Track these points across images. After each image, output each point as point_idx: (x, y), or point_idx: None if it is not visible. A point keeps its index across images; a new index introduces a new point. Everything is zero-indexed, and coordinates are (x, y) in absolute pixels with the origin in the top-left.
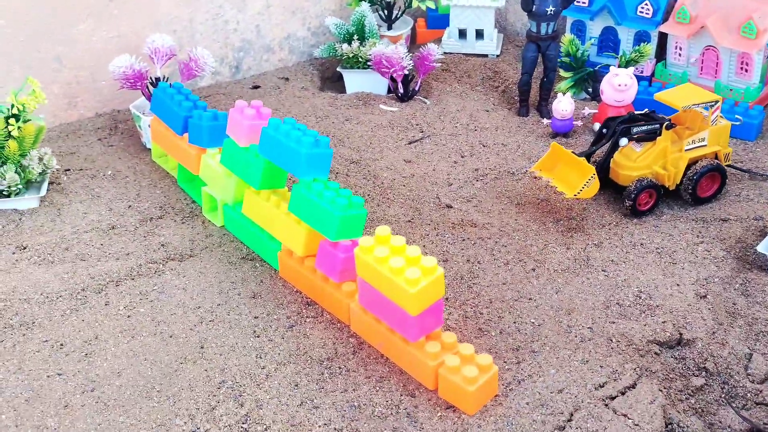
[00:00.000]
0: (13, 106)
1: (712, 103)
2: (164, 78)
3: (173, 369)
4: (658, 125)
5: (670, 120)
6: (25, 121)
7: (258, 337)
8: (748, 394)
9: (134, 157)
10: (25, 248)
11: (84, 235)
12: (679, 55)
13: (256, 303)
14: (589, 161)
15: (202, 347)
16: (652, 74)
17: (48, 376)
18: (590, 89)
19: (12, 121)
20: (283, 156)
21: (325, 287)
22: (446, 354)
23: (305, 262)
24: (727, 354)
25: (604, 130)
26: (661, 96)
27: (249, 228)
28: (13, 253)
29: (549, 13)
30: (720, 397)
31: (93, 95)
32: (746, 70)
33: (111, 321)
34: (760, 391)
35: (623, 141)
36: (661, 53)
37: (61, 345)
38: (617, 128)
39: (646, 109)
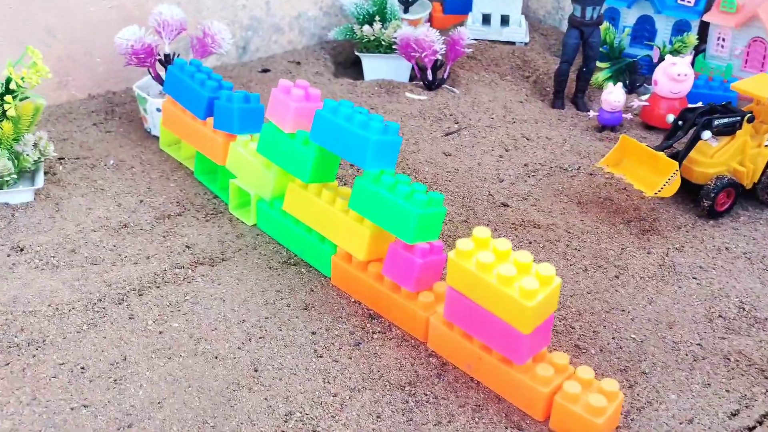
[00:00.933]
0: (9, 80)
1: None
2: (174, 55)
3: (226, 398)
4: (739, 118)
5: (752, 112)
6: (21, 99)
7: (321, 357)
8: None
9: (138, 145)
10: (22, 250)
11: (92, 234)
12: (722, 46)
13: (310, 316)
14: None
15: (256, 370)
16: (692, 66)
17: (72, 408)
18: (627, 81)
19: (8, 98)
20: (344, 143)
21: (395, 298)
22: (560, 378)
23: (369, 268)
24: None
25: (680, 123)
26: (739, 86)
27: (291, 228)
28: (9, 256)
29: None
30: None
31: (87, 74)
32: None
33: (139, 338)
34: None
35: (706, 134)
36: (698, 45)
37: (83, 369)
38: (698, 120)
39: (690, 106)
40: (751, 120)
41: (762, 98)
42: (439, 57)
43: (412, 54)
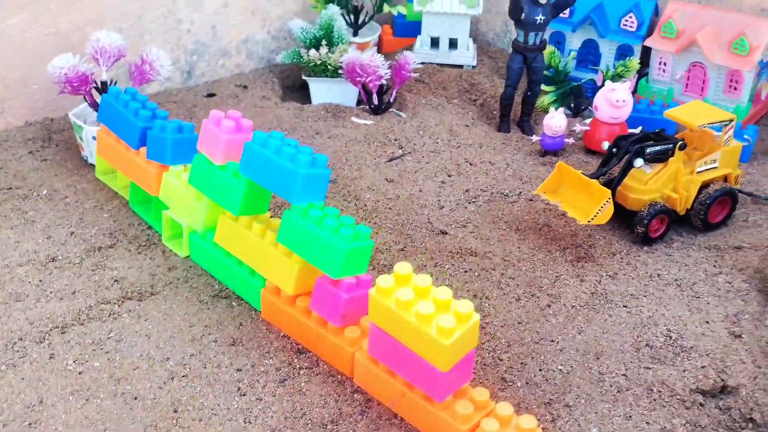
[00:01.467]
0: None
1: (726, 123)
2: (112, 82)
3: None
4: (671, 145)
5: (683, 140)
6: None
7: (244, 395)
8: None
9: (74, 174)
10: None
11: (18, 269)
12: (663, 71)
13: (237, 352)
14: None
15: (175, 411)
16: (634, 90)
17: None
18: (572, 105)
19: None
20: (272, 176)
21: (322, 332)
22: (479, 415)
23: (297, 302)
24: None
25: (614, 150)
26: (672, 114)
27: (223, 260)
28: None
29: (539, 21)
30: None
31: (23, 101)
32: (735, 89)
33: (58, 379)
34: None
35: (638, 162)
36: (641, 69)
37: None
38: (630, 148)
39: (630, 130)
40: (683, 147)
41: (693, 126)
42: (384, 81)
43: (358, 79)
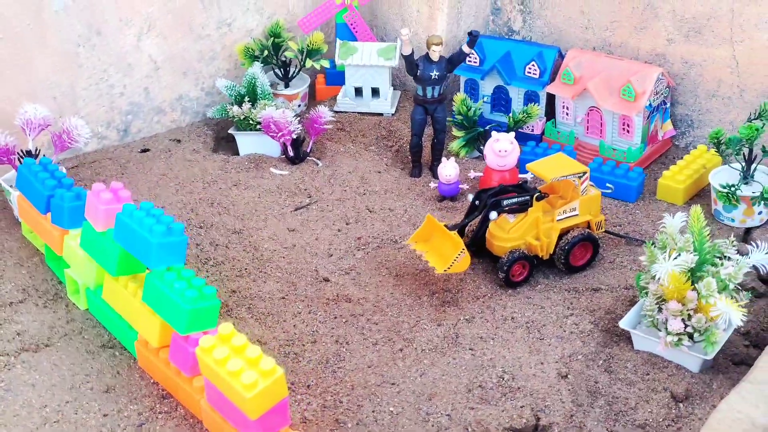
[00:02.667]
0: None
1: (581, 174)
2: (36, 151)
3: None
4: (528, 197)
5: (540, 191)
6: None
7: None
8: None
9: (4, 233)
10: None
11: None
12: (567, 114)
13: (108, 398)
14: (463, 233)
15: None
16: (542, 133)
17: None
18: (482, 148)
19: None
20: (135, 244)
21: (178, 381)
22: None
23: (160, 354)
24: None
25: (477, 202)
26: (531, 167)
27: (110, 314)
28: None
29: (434, 77)
30: None
31: None
32: (628, 131)
33: None
34: None
35: (493, 215)
36: (551, 112)
37: None
38: (488, 201)
39: (520, 176)
40: (540, 198)
41: (546, 179)
42: (296, 135)
43: (271, 134)
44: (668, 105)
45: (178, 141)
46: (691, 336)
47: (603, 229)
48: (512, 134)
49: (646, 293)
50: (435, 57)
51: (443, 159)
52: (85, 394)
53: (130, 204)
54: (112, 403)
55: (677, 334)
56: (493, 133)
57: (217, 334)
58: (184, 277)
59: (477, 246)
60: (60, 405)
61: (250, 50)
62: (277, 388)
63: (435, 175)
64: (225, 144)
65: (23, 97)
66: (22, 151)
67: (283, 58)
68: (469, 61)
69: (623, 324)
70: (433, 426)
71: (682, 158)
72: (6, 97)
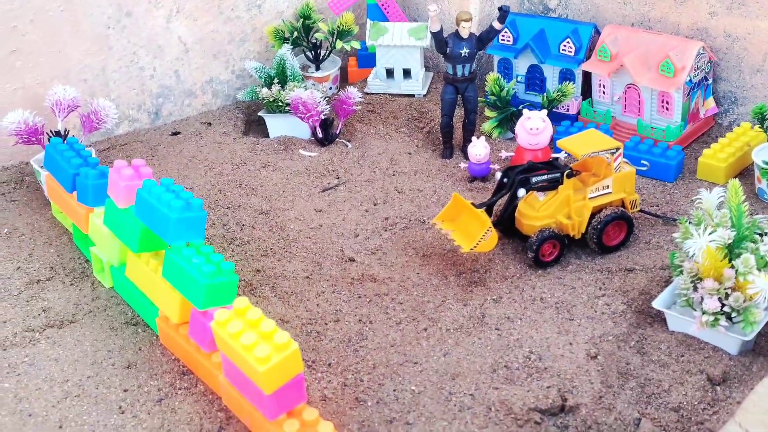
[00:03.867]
0: None
1: (613, 150)
2: (65, 131)
3: None
4: (559, 174)
5: (571, 168)
6: None
7: (123, 413)
8: None
9: (36, 213)
10: None
11: None
12: (603, 93)
13: (128, 374)
14: (491, 211)
15: (60, 427)
16: (578, 112)
17: None
18: (514, 129)
19: None
20: (155, 219)
21: (197, 357)
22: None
23: (180, 330)
24: (613, 420)
25: (505, 179)
26: (562, 143)
27: (133, 291)
28: None
29: (463, 55)
30: None
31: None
32: (667, 109)
33: None
34: None
35: (521, 192)
36: (587, 91)
37: None
38: (516, 178)
39: (553, 155)
40: (570, 176)
41: (577, 155)
42: (325, 116)
43: (299, 115)
44: (710, 81)
45: (209, 124)
46: (729, 316)
47: (637, 208)
48: (544, 112)
49: (681, 272)
50: (465, 34)
51: (473, 138)
52: (107, 370)
53: (150, 180)
54: (132, 378)
55: (713, 314)
56: (525, 110)
57: (232, 309)
58: (203, 252)
59: (505, 225)
60: (81, 380)
61: (280, 32)
62: (292, 362)
63: (466, 156)
64: (255, 127)
65: (55, 80)
66: (51, 131)
67: (314, 40)
68: (502, 39)
69: (657, 304)
70: (455, 405)
71: (724, 136)
72: (38, 80)
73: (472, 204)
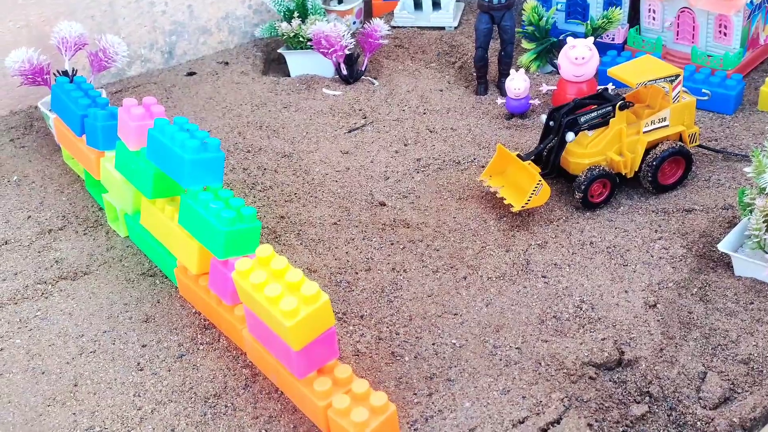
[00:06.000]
0: None
1: (672, 78)
2: (73, 71)
3: (38, 413)
4: (610, 107)
5: (624, 99)
6: None
7: (142, 370)
8: (698, 423)
9: (46, 159)
10: None
11: None
12: (653, 18)
13: (147, 328)
14: (541, 159)
15: (75, 385)
16: (625, 41)
17: None
18: (556, 61)
19: None
20: (168, 162)
21: (219, 310)
22: (339, 392)
23: (200, 281)
24: (675, 374)
25: (551, 123)
26: (614, 71)
27: (149, 240)
28: None
29: None
30: (665, 427)
31: (6, 92)
32: (725, 34)
33: None
34: (712, 419)
35: (569, 136)
36: (634, 17)
37: None
38: (562, 120)
39: (599, 88)
40: (623, 108)
41: (631, 84)
42: (350, 51)
43: (322, 51)
44: None
45: (226, 63)
46: None
47: (697, 143)
48: (591, 39)
49: (752, 210)
50: None
51: (512, 71)
52: (124, 324)
53: (162, 119)
54: (151, 333)
55: None
56: (569, 39)
57: (255, 258)
58: (222, 197)
59: (557, 173)
60: (97, 335)
61: None
62: (322, 315)
63: (502, 92)
64: (276, 65)
65: (61, 16)
66: (58, 71)
67: None
68: None
69: (722, 246)
70: (501, 360)
71: None
72: (43, 17)
73: (518, 156)
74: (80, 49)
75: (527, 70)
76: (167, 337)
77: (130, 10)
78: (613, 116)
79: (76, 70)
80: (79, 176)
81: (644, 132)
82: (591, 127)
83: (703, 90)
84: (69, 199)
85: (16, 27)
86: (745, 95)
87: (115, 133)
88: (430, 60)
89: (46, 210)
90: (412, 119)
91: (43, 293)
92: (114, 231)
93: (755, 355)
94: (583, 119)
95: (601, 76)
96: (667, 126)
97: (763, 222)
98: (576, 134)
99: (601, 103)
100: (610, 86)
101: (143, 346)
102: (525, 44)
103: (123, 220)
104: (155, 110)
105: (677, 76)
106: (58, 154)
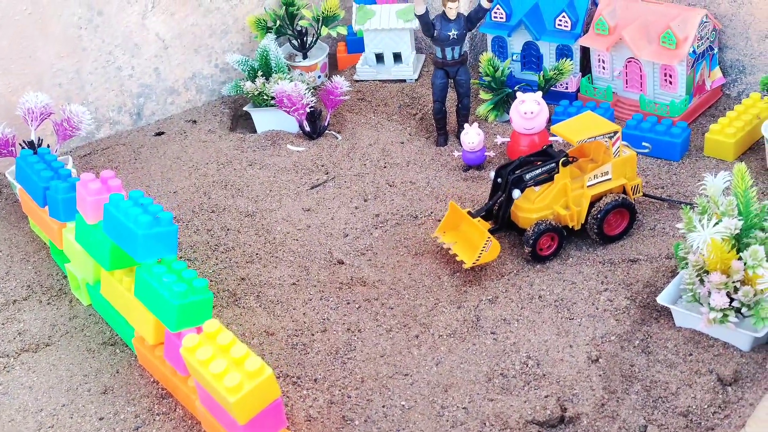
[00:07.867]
0: None
1: (611, 135)
2: (39, 141)
3: None
4: (554, 163)
5: (567, 155)
6: None
7: None
8: None
9: (13, 227)
10: None
11: None
12: (603, 68)
13: (105, 400)
14: (491, 216)
15: None
16: (578, 90)
17: None
18: (509, 113)
19: None
20: (122, 236)
21: (174, 380)
22: None
23: (156, 351)
24: (617, 430)
25: (499, 179)
26: (556, 129)
27: (110, 309)
28: None
29: (452, 37)
30: None
31: None
32: (671, 83)
33: None
34: None
35: (516, 193)
36: (587, 66)
37: None
38: (509, 178)
39: (551, 140)
40: (566, 163)
41: (572, 141)
42: (312, 108)
43: (285, 109)
44: (716, 50)
45: (194, 122)
46: (739, 311)
47: (640, 193)
48: (539, 94)
49: (686, 264)
50: (452, 15)
51: (466, 125)
52: (82, 396)
53: (117, 194)
54: (109, 405)
55: (722, 310)
56: (519, 93)
57: (202, 332)
58: (175, 270)
59: (508, 228)
60: (56, 408)
61: (262, 21)
62: (267, 389)
63: (461, 144)
64: (243, 122)
65: (28, 86)
66: (24, 142)
67: (299, 28)
68: (495, 16)
69: (661, 299)
70: (447, 421)
71: (732, 109)
72: (11, 87)
73: (469, 212)
74: (45, 118)
75: (485, 120)
76: (124, 409)
77: (97, 75)
78: (557, 172)
79: (42, 141)
80: (45, 244)
81: (588, 186)
82: (537, 183)
83: (643, 143)
84: (34, 267)
85: None
86: (693, 141)
87: (74, 205)
88: (391, 112)
89: (11, 280)
90: (373, 173)
91: (5, 367)
92: (77, 299)
93: (693, 407)
94: (528, 176)
95: (554, 123)
96: (609, 179)
97: (696, 276)
98: (522, 191)
99: (545, 159)
100: (559, 138)
101: (100, 419)
102: (483, 95)
103: (85, 289)
104: (112, 184)
105: (615, 132)
106: (25, 222)
